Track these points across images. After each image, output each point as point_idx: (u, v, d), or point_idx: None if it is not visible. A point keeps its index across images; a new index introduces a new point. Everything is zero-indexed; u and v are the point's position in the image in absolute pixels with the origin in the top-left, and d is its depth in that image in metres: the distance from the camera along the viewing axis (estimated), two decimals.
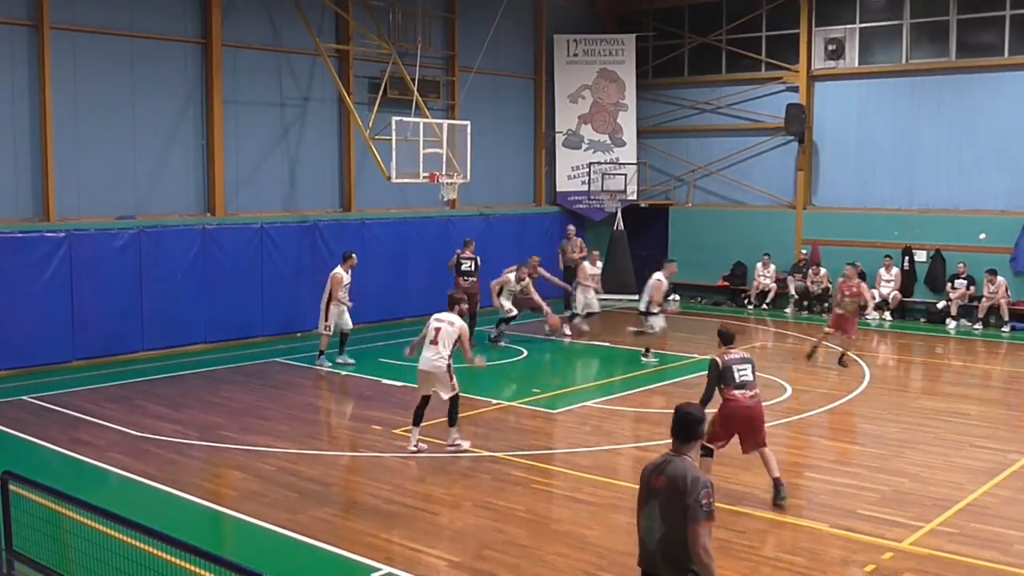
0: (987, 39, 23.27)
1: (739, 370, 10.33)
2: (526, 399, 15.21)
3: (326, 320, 17.63)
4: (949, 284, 23.12)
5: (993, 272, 22.30)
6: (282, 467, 11.69)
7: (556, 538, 9.52)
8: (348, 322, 17.87)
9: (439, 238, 22.90)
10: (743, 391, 10.28)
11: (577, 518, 10.09)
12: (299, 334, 20.44)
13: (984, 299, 22.42)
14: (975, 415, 14.44)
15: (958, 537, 9.39)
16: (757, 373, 10.59)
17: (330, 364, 17.54)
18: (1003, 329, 22.07)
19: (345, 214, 22.27)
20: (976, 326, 22.39)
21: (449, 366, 12.05)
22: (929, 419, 14.16)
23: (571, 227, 25.45)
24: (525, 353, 19.15)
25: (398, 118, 19.61)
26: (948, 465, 11.82)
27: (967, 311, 22.72)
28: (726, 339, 10.77)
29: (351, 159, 22.38)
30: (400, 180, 19.81)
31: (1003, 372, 18.80)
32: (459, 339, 12.13)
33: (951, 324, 22.73)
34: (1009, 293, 22.37)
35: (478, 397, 14.96)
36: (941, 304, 23.14)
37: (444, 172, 20.13)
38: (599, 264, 23.02)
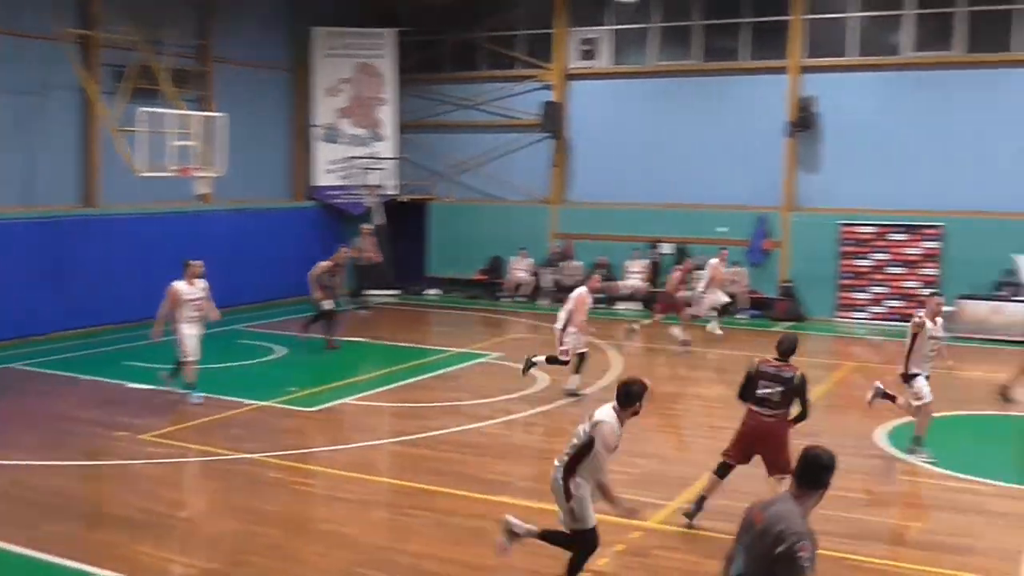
0: (728, 44, 24.72)
1: (764, 385, 9.56)
2: (282, 399, 14.92)
3: (184, 349, 14.40)
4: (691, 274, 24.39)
5: (735, 263, 23.76)
6: (17, 480, 10.97)
7: (315, 537, 9.42)
8: (194, 348, 14.44)
9: (189, 234, 22.06)
10: (761, 408, 9.57)
11: (335, 516, 10.02)
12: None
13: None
14: (714, 398, 15.33)
15: (699, 513, 9.90)
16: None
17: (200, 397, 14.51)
18: (740, 316, 23.53)
19: (88, 209, 21.13)
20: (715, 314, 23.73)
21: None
22: (674, 403, 14.90)
23: (365, 225, 24.96)
24: (282, 352, 18.79)
25: (147, 109, 18.80)
26: (691, 447, 12.48)
27: None
28: (779, 348, 9.73)
29: (95, 152, 21.25)
30: (149, 174, 18.98)
31: (740, 356, 19.98)
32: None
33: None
34: (747, 282, 23.92)
35: (231, 398, 14.57)
36: (683, 294, 24.35)
37: (196, 165, 19.45)
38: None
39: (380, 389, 15.75)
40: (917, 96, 22.85)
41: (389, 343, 19.06)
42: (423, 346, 19.09)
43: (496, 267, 27.06)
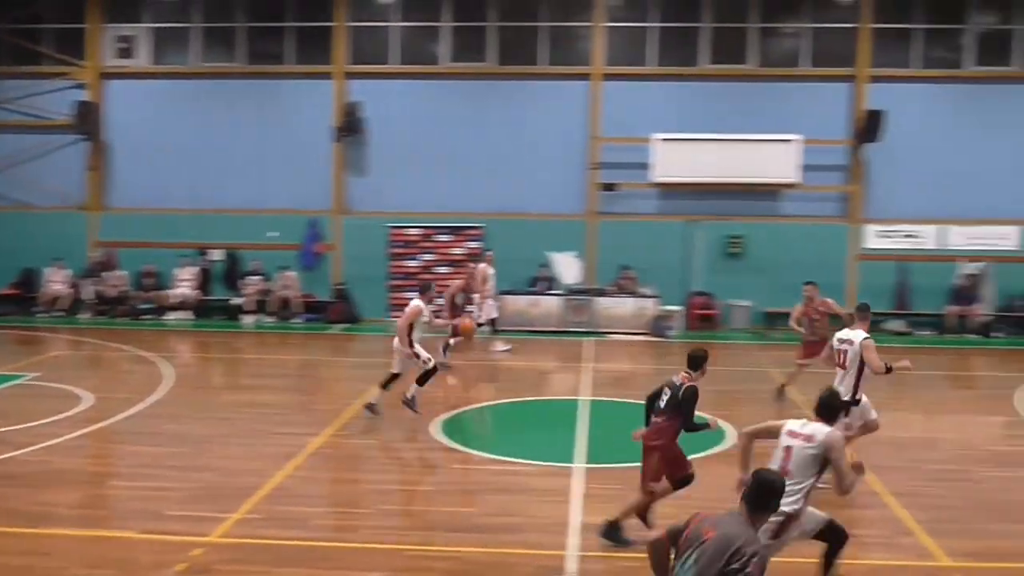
0: (274, 47, 24.51)
1: (663, 395, 9.27)
2: None
3: None
4: (243, 280, 24.00)
5: (286, 267, 23.65)
6: None
7: None
8: None
9: None
10: (651, 418, 9.33)
11: None
12: None
13: (275, 293, 23.67)
14: (274, 404, 15.14)
15: (264, 522, 9.70)
16: None
17: None
18: (295, 320, 23.48)
19: None
20: (270, 319, 23.53)
21: None
22: (232, 413, 14.51)
23: None
24: None
25: None
26: (252, 455, 12.19)
27: (262, 305, 23.76)
28: (688, 361, 9.33)
29: None
30: None
31: (297, 361, 20.00)
32: None
33: (248, 319, 23.59)
34: (299, 286, 23.91)
35: None
36: (237, 300, 23.91)
37: None
38: None
39: None
40: (456, 103, 24.09)
41: None
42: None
43: (29, 280, 24.86)
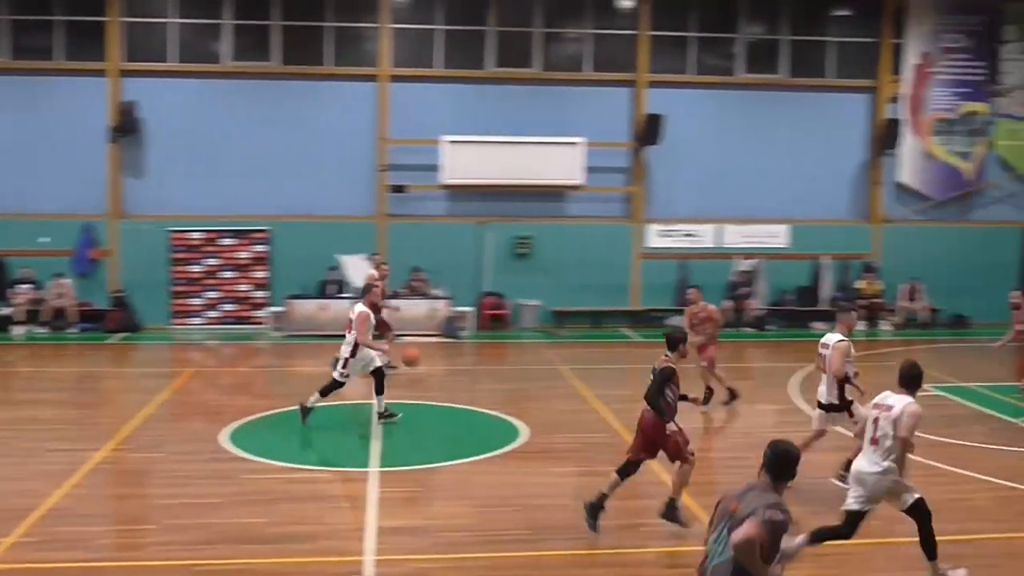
0: (42, 42, 23.05)
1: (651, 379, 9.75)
2: None
3: None
4: (12, 289, 22.55)
5: (60, 275, 22.39)
6: None
7: None
8: None
9: None
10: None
11: None
12: None
13: (48, 302, 22.37)
14: (49, 419, 14.30)
15: (41, 544, 9.16)
16: None
17: None
18: (70, 330, 22.26)
19: None
20: (43, 330, 22.21)
21: None
22: (2, 431, 13.61)
23: None
24: None
25: None
26: (25, 474, 11.47)
27: (33, 315, 22.38)
28: (666, 342, 9.91)
29: None
30: None
31: (74, 373, 18.97)
32: None
33: (18, 330, 22.18)
34: (74, 294, 22.66)
35: None
36: (6, 311, 22.44)
37: None
38: None
39: None
40: (240, 104, 23.42)
41: None
42: None
43: None
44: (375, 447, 12.75)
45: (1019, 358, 14.99)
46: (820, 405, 11.29)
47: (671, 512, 9.75)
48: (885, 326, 23.99)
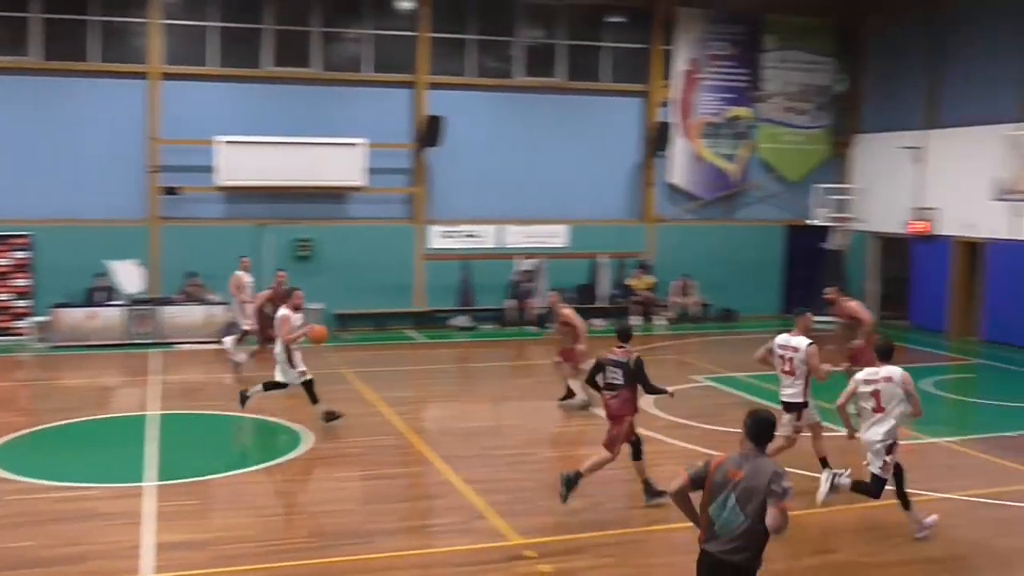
0: None
1: (610, 372, 10.55)
2: None
3: None
4: None
5: None
6: None
7: None
8: None
9: None
10: (608, 391, 10.59)
11: None
12: None
13: None
14: None
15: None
16: None
17: None
18: None
19: None
20: None
21: None
22: None
23: None
24: None
25: None
26: None
27: None
28: (619, 335, 10.78)
29: None
30: None
31: None
32: None
33: None
34: None
35: None
36: None
37: None
38: None
39: None
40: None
41: None
42: None
43: None
44: (151, 460, 12.18)
45: (841, 345, 15.78)
46: (787, 407, 11.42)
47: (572, 481, 10.34)
48: (659, 321, 24.92)
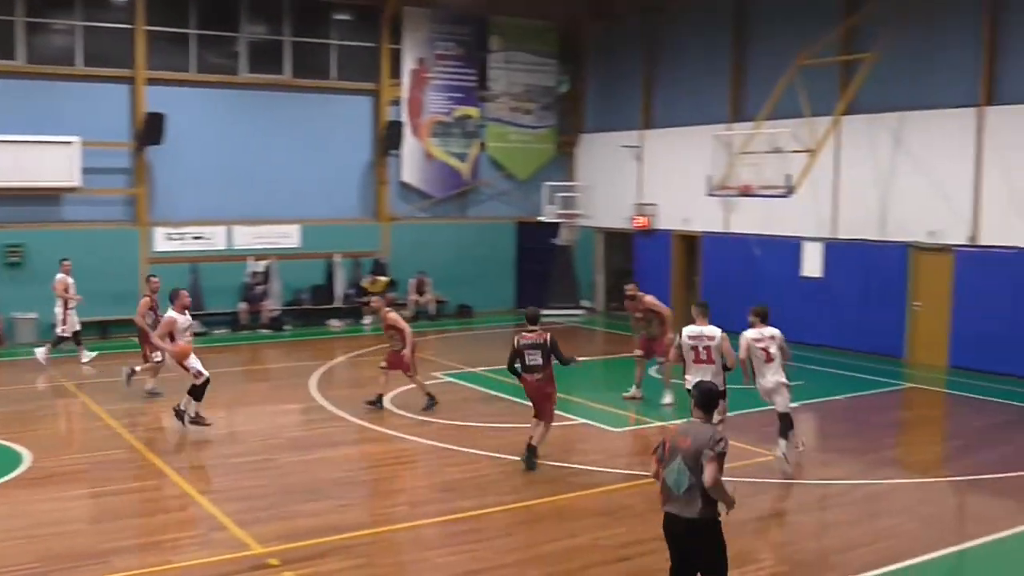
0: None
1: (529, 355, 11.77)
2: None
3: None
4: None
5: None
6: None
7: None
8: None
9: None
10: (530, 374, 11.84)
11: None
12: None
13: None
14: None
15: None
16: None
17: None
18: None
19: None
20: None
21: None
22: None
23: None
24: None
25: None
26: None
27: None
28: (529, 320, 12.05)
29: None
30: None
31: None
32: None
33: None
34: None
35: None
36: None
37: None
38: None
39: None
40: None
41: None
42: None
43: None
44: None
45: (641, 339, 16.30)
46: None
47: (531, 459, 11.78)
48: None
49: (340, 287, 24.92)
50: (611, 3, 26.97)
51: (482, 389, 16.35)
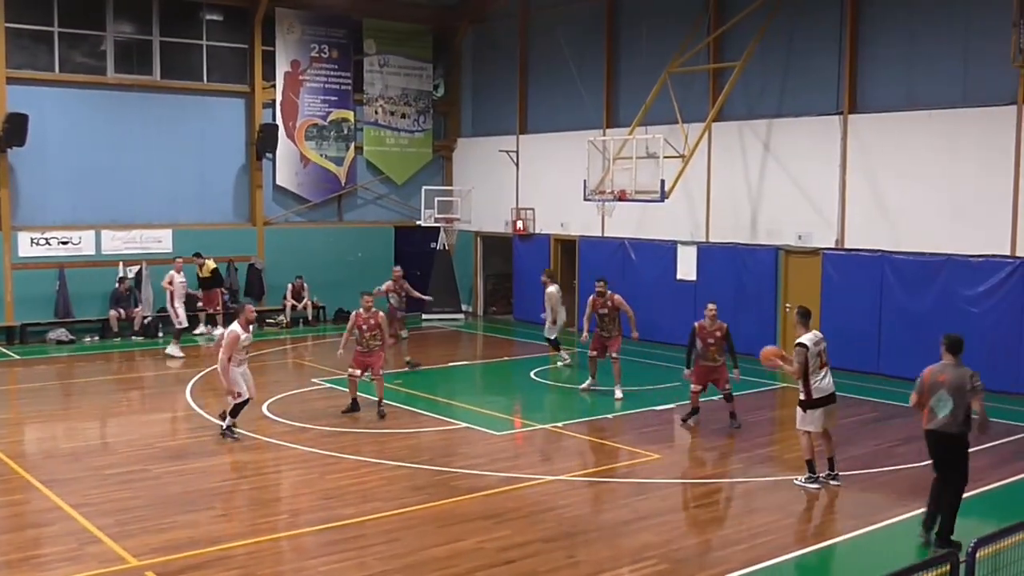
0: None
1: (707, 340, 14.42)
2: None
3: None
4: None
5: None
6: None
7: None
8: None
9: None
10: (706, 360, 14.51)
11: None
12: None
13: None
14: None
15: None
16: None
17: None
18: None
19: None
20: None
21: None
22: None
23: None
24: None
25: None
26: None
27: None
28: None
29: None
30: None
31: None
32: None
33: None
34: None
35: None
36: None
37: None
38: None
39: None
40: None
41: None
42: None
43: None
44: None
45: (595, 338, 16.91)
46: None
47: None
48: (272, 322, 24.60)
49: None
50: (483, 8, 27.09)
51: (361, 395, 16.24)
